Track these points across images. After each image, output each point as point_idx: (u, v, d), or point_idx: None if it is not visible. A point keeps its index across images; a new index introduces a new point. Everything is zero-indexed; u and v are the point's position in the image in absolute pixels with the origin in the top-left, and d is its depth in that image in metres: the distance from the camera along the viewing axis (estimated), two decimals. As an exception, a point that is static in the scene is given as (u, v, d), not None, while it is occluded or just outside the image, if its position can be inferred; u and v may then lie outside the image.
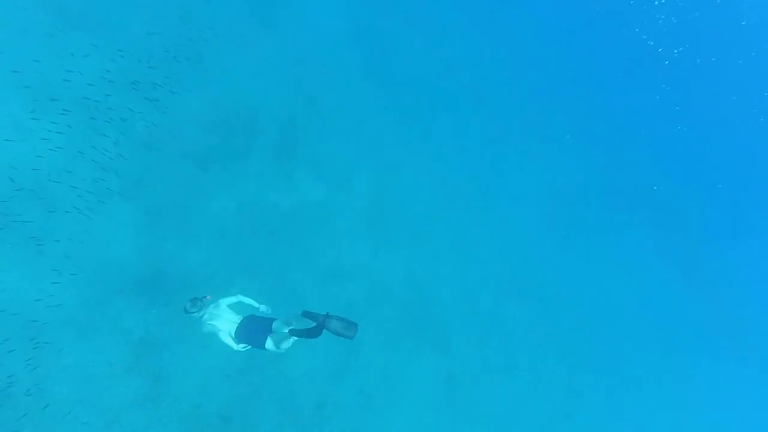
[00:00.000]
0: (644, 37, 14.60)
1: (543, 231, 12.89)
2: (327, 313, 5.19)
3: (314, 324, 5.19)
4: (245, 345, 5.42)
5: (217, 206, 8.33)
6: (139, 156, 7.74)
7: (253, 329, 5.34)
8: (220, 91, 8.97)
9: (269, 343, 5.26)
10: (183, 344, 7.36)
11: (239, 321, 5.42)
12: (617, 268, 14.09)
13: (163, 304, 7.22)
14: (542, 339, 11.86)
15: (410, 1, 12.50)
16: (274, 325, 5.32)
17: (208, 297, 5.54)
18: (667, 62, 14.73)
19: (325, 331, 5.10)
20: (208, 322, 5.40)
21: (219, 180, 8.44)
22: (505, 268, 11.90)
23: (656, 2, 14.50)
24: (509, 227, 12.39)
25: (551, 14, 14.09)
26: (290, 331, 5.21)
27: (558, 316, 12.33)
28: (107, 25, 8.01)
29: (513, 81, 13.63)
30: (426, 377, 9.94)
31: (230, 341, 5.37)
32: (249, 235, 8.45)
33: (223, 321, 5.41)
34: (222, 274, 7.88)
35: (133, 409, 6.88)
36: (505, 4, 13.78)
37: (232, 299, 5.64)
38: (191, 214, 7.97)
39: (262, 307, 5.72)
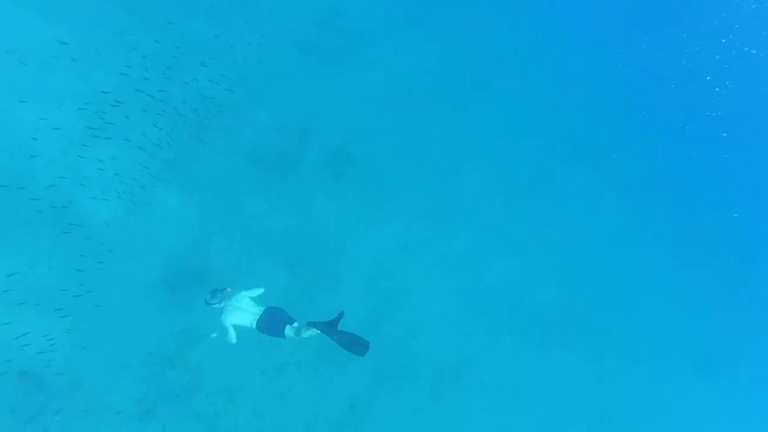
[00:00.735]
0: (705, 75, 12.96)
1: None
2: (341, 312, 5.30)
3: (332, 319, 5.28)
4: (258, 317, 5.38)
5: (265, 205, 8.11)
6: (190, 148, 7.70)
7: (275, 320, 5.36)
8: (277, 95, 8.93)
9: (289, 330, 5.33)
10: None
11: (260, 312, 5.40)
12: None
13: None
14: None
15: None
16: (295, 317, 5.44)
17: (228, 289, 5.43)
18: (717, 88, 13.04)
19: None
20: (229, 317, 5.35)
21: (269, 180, 8.30)
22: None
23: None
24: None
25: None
26: (309, 323, 5.30)
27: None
28: (172, 24, 8.19)
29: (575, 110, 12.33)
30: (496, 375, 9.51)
31: (232, 336, 5.35)
32: (294, 236, 8.13)
33: (244, 313, 5.38)
34: (266, 271, 7.45)
35: (168, 400, 6.64)
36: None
37: (254, 291, 5.58)
38: (239, 210, 7.62)
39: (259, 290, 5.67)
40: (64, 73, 7.29)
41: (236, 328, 5.35)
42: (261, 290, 5.63)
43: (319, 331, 5.33)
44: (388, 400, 8.66)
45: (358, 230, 9.17)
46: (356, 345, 5.27)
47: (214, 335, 5.55)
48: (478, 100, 10.99)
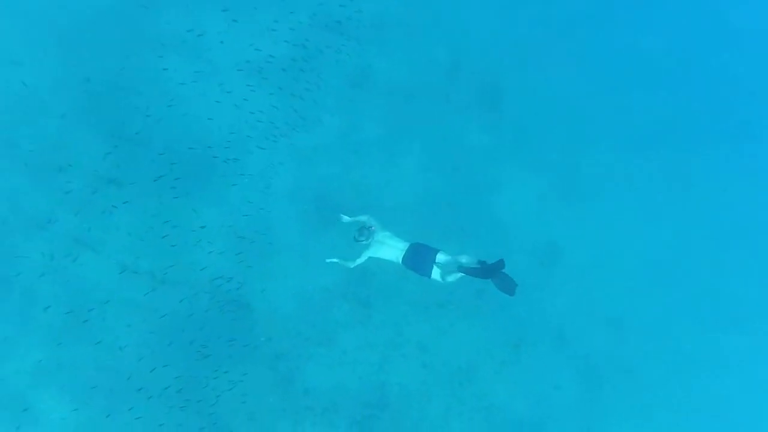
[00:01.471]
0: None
1: None
2: (501, 260, 5.01)
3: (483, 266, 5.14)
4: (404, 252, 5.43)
5: (419, 143, 8.06)
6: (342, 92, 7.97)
7: (420, 257, 5.36)
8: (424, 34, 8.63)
9: (435, 273, 5.32)
10: (388, 275, 7.46)
11: (406, 248, 5.42)
12: None
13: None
14: None
15: None
16: (439, 256, 5.32)
17: (372, 227, 5.47)
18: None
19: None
20: (374, 252, 5.49)
21: (422, 117, 8.21)
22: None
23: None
24: None
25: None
26: (459, 267, 5.22)
27: None
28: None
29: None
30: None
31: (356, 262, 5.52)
32: (450, 172, 8.02)
33: (389, 248, 5.48)
34: (424, 211, 7.55)
35: (345, 329, 7.41)
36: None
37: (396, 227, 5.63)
38: (392, 148, 7.81)
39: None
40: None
41: (383, 263, 5.52)
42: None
43: (463, 274, 5.19)
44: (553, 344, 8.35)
45: (513, 168, 8.67)
46: (506, 284, 5.15)
47: (333, 260, 5.71)
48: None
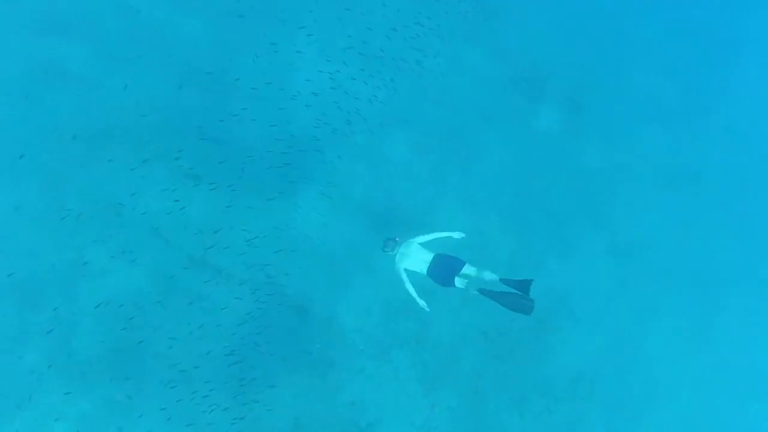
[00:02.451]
0: None
1: None
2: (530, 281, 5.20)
3: (510, 293, 5.24)
4: (425, 303, 5.53)
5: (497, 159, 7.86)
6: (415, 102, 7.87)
7: (444, 267, 5.44)
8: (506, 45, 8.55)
9: (460, 282, 5.40)
10: (450, 296, 7.13)
11: (431, 259, 5.49)
12: None
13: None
14: None
15: None
16: (465, 268, 5.41)
17: (397, 238, 5.63)
18: None
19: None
20: (400, 264, 5.54)
21: (503, 130, 8.04)
22: None
23: None
24: None
25: None
26: (480, 290, 5.34)
27: None
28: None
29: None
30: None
31: (414, 294, 5.51)
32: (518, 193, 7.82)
33: (414, 260, 5.53)
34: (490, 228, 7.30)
35: (401, 347, 7.14)
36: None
37: (424, 237, 5.64)
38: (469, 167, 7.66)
39: (456, 234, 5.63)
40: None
41: (409, 273, 5.51)
42: (436, 234, 5.63)
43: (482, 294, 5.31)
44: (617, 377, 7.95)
45: (594, 195, 8.26)
46: (521, 305, 5.20)
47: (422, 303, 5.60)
48: None
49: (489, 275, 5.42)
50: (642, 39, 9.46)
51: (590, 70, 9.04)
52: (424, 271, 5.49)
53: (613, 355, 8.04)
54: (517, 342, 7.51)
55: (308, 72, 7.69)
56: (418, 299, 5.53)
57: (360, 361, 7.01)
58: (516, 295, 5.24)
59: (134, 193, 6.63)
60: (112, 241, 6.48)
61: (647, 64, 9.37)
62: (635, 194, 8.72)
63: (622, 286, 8.28)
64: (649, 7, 9.47)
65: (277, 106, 7.32)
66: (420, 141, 7.95)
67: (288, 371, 6.74)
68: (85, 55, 7.09)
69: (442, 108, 8.17)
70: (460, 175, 7.86)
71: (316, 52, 7.84)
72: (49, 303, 6.18)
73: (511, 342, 7.49)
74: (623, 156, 8.81)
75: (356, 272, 6.89)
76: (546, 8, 9.10)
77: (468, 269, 5.44)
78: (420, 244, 5.62)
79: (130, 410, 6.15)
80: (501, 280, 5.40)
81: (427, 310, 5.58)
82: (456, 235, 5.62)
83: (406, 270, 5.54)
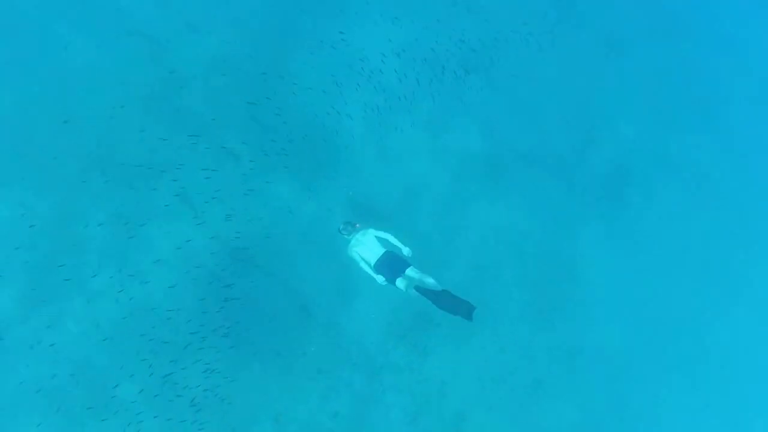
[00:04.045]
0: None
1: None
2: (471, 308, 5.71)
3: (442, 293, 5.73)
4: (384, 278, 5.73)
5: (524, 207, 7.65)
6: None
7: (390, 266, 5.69)
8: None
9: (400, 283, 5.67)
10: (454, 329, 7.18)
11: (381, 254, 5.73)
12: None
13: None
14: None
15: None
16: (408, 270, 5.67)
17: (357, 225, 5.97)
18: None
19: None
20: (354, 248, 5.84)
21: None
22: None
23: None
24: None
25: None
26: (416, 287, 5.70)
27: None
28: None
29: None
30: None
31: (370, 271, 5.78)
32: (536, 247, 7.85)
33: (366, 249, 5.79)
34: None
35: (392, 371, 7.18)
36: None
37: (381, 233, 5.91)
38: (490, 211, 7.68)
39: (405, 250, 5.81)
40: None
41: (357, 263, 5.80)
42: (388, 235, 5.87)
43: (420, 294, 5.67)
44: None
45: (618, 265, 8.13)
46: (460, 307, 5.63)
47: (380, 279, 5.81)
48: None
49: (431, 281, 5.70)
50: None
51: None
52: (372, 264, 5.76)
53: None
54: (512, 392, 7.39)
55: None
56: (375, 276, 5.77)
57: (351, 374, 7.09)
58: (457, 299, 5.65)
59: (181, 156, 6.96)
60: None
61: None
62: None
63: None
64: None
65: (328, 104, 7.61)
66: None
67: (280, 367, 6.89)
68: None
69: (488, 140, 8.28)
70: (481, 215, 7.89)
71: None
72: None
73: (505, 392, 7.38)
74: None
75: (365, 285, 7.03)
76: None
77: (411, 272, 5.68)
78: (376, 237, 5.90)
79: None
80: (443, 289, 5.75)
81: (383, 284, 5.81)
82: (405, 250, 5.80)
83: (361, 259, 5.83)
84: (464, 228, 7.76)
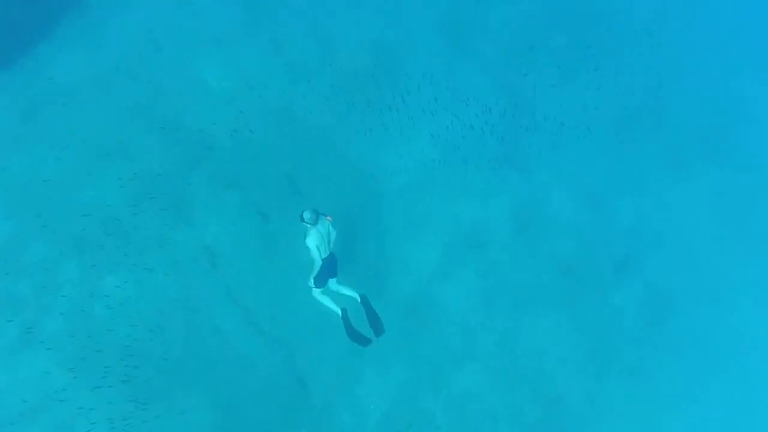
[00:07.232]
0: None
1: None
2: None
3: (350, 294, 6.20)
4: (321, 275, 5.87)
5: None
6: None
7: (329, 268, 5.92)
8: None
9: (331, 284, 6.17)
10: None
11: (327, 254, 5.85)
12: None
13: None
14: None
15: None
16: (332, 281, 6.11)
17: (329, 218, 5.88)
18: None
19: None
20: (314, 238, 5.69)
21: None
22: None
23: None
24: None
25: None
26: (322, 295, 6.15)
27: None
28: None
29: None
30: None
31: (317, 265, 5.74)
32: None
33: (322, 242, 5.78)
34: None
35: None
36: None
37: (333, 238, 5.99)
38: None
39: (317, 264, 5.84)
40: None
41: (309, 251, 5.68)
42: (333, 239, 5.98)
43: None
44: None
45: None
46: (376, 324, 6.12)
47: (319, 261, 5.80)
48: None
49: (350, 292, 6.12)
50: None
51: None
52: (321, 257, 5.75)
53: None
54: None
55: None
56: (311, 279, 5.85)
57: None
58: (372, 312, 6.04)
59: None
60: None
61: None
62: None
63: None
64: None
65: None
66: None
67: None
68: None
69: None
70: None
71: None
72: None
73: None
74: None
75: (367, 368, 6.69)
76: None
77: (332, 284, 6.06)
78: (334, 238, 5.99)
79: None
80: (361, 301, 6.09)
81: (313, 287, 5.96)
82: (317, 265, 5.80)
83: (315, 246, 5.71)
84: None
